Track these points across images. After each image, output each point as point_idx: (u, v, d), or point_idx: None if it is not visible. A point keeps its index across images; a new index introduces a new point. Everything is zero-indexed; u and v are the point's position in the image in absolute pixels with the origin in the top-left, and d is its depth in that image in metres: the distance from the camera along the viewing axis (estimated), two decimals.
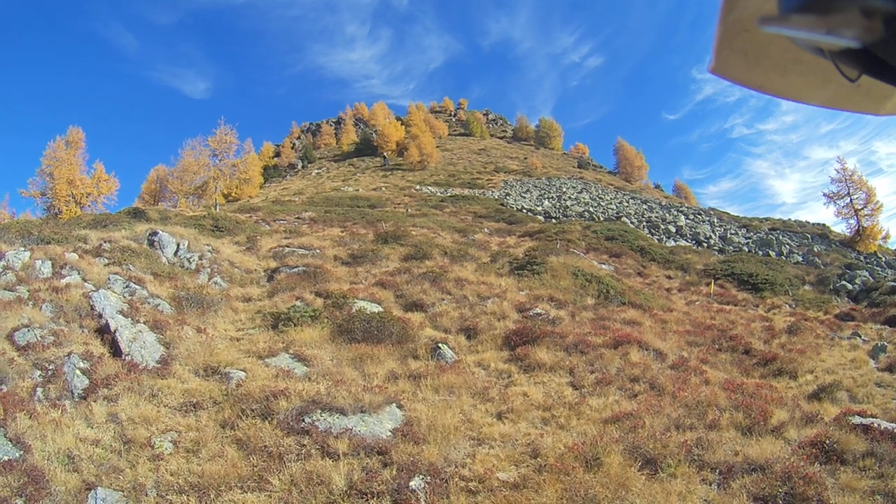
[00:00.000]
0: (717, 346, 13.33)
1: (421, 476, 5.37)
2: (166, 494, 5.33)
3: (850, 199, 38.70)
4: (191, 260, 15.41)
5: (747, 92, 1.02)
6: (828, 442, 6.59)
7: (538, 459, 6.05)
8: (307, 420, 6.45)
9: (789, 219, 46.64)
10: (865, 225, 37.66)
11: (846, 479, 5.89)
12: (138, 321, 9.90)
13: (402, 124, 75.76)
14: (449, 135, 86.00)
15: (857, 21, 0.70)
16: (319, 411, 6.62)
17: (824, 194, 39.79)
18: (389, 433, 6.58)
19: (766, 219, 46.62)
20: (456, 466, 5.82)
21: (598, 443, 6.04)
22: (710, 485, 5.69)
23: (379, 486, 5.24)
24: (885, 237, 37.62)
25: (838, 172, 39.59)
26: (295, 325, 10.75)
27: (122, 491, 5.35)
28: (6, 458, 5.66)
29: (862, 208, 38.19)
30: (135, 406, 7.22)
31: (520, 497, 4.77)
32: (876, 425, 7.21)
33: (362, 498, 5.13)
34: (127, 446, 6.31)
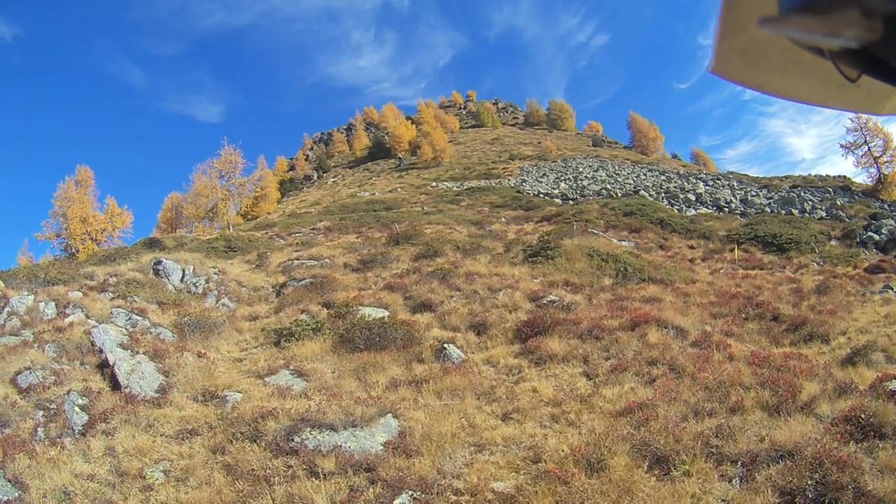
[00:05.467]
0: (743, 315, 12.55)
1: (408, 492, 4.99)
2: None
3: (868, 148, 37.32)
4: (197, 284, 15.34)
5: None
6: (864, 416, 6.04)
7: (539, 465, 5.58)
8: (296, 439, 6.15)
9: (810, 174, 45.05)
10: (886, 172, 36.32)
11: (885, 457, 5.32)
12: (137, 352, 9.79)
13: (412, 123, 74.96)
14: (461, 128, 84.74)
15: (857, 21, 0.69)
16: (309, 429, 6.31)
17: (841, 146, 38.48)
18: (381, 447, 6.23)
19: (787, 177, 44.94)
20: (449, 478, 5.40)
21: (602, 442, 5.54)
22: (731, 480, 5.14)
23: None
24: None
25: (853, 122, 38.19)
26: (297, 339, 10.49)
27: None
28: (5, 498, 5.84)
29: (881, 155, 36.78)
30: (131, 438, 7.20)
31: None
32: None
33: None
34: (121, 479, 6.34)
